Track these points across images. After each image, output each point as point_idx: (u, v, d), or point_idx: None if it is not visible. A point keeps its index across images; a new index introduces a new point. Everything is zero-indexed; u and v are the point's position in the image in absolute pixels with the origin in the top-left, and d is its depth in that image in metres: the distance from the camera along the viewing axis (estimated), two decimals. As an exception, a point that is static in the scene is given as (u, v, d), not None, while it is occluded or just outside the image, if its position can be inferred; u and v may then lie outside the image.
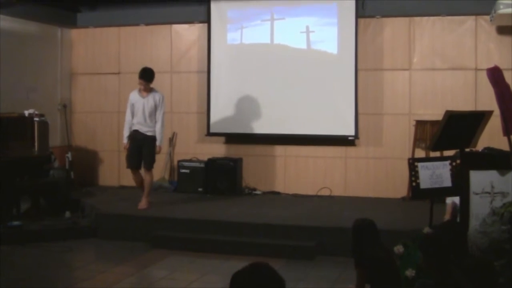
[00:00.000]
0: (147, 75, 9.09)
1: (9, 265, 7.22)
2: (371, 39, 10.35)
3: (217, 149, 10.99)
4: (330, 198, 10.27)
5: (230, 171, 10.48)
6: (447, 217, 7.20)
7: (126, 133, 9.19)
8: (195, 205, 9.55)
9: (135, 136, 9.10)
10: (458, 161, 6.33)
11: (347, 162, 10.49)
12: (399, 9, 10.11)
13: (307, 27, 10.41)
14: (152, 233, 8.33)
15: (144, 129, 9.06)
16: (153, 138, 9.09)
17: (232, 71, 10.80)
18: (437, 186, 6.32)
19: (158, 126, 9.10)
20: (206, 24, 10.90)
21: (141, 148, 9.09)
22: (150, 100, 9.08)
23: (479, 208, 5.88)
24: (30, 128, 9.50)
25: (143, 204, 9.10)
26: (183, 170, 10.70)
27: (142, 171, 9.21)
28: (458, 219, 6.51)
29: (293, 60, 10.48)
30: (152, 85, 9.17)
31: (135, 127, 9.10)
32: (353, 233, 5.39)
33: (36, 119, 9.54)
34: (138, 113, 9.08)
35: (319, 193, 10.42)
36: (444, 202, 8.04)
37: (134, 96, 9.18)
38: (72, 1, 10.62)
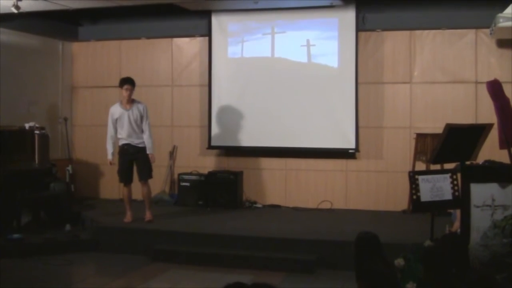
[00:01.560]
0: (131, 80, 9.07)
1: (9, 278, 7.18)
2: (371, 53, 10.37)
3: (218, 162, 10.99)
4: (331, 211, 10.26)
5: (230, 184, 10.47)
6: (457, 225, 7.14)
7: (110, 149, 9.08)
8: (196, 218, 9.53)
9: (126, 150, 9.03)
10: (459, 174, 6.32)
11: (348, 175, 10.48)
12: (400, 23, 10.15)
13: (308, 41, 10.44)
14: (152, 246, 8.30)
15: (136, 141, 9.00)
16: (146, 149, 9.05)
17: (233, 84, 10.82)
18: (437, 199, 6.31)
19: (146, 136, 9.01)
20: (207, 38, 10.93)
21: (135, 162, 9.05)
22: (135, 111, 8.99)
23: (480, 221, 5.87)
24: (31, 141, 9.51)
25: (148, 216, 9.10)
26: (184, 183, 10.68)
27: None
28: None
29: (294, 74, 10.49)
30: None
31: (125, 141, 9.00)
32: (355, 246, 5.37)
33: (36, 132, 9.55)
34: (124, 126, 8.96)
35: (319, 206, 10.40)
36: (445, 214, 8.04)
37: (117, 110, 9.04)
38: (73, 15, 10.64)
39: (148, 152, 9.03)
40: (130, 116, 8.96)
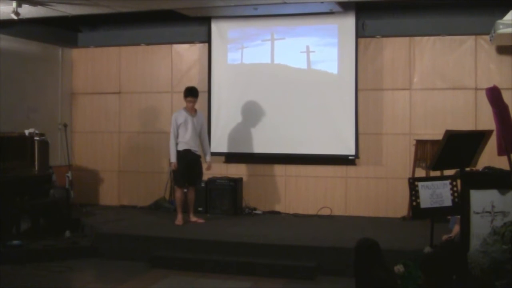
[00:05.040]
0: (195, 92, 9.46)
1: (8, 285, 7.17)
2: (371, 59, 10.37)
3: (217, 169, 10.96)
4: (331, 217, 10.25)
5: (230, 190, 10.47)
6: (456, 229, 7.11)
7: (175, 153, 9.37)
8: (195, 224, 9.51)
9: (186, 155, 9.39)
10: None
11: (348, 182, 10.47)
12: (399, 29, 10.16)
13: (307, 47, 10.44)
14: (152, 253, 8.29)
15: (194, 148, 9.47)
16: (200, 157, 9.54)
17: (232, 91, 10.82)
18: (437, 205, 6.29)
19: (207, 143, 9.76)
20: (206, 44, 10.95)
21: (190, 167, 9.44)
22: (199, 119, 9.53)
23: (480, 227, 5.87)
24: (30, 147, 9.50)
25: (195, 218, 9.62)
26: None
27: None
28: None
29: (294, 80, 10.50)
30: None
31: (186, 147, 9.38)
32: (355, 253, 5.36)
33: (36, 138, 9.54)
34: (188, 131, 9.37)
35: (319, 213, 10.39)
36: (445, 221, 8.02)
37: (181, 115, 9.40)
38: (73, 21, 10.65)
39: (208, 159, 9.68)
40: (195, 123, 9.42)
